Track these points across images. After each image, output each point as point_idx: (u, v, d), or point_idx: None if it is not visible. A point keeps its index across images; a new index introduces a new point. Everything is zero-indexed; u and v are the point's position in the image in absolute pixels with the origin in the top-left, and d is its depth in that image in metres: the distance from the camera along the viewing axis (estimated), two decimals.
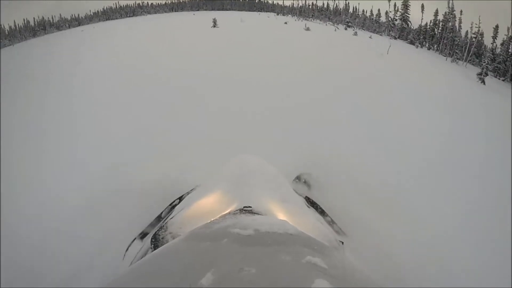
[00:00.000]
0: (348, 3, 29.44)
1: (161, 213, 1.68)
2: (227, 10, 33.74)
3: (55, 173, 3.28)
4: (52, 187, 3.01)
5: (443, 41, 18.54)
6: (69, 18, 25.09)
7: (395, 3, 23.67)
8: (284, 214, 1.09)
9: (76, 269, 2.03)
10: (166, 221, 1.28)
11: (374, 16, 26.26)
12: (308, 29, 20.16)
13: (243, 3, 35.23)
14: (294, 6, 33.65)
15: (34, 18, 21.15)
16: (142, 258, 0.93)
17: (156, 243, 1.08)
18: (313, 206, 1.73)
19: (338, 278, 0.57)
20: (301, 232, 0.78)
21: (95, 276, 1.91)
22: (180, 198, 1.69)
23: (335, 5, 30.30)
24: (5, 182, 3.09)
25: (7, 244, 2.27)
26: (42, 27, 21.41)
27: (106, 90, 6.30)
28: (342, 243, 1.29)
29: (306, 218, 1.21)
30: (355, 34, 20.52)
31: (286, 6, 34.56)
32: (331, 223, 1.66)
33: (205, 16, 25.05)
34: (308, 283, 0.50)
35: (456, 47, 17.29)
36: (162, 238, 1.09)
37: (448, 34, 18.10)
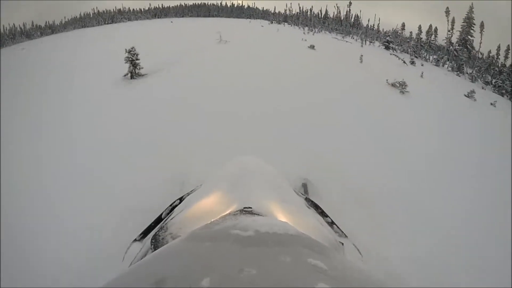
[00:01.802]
0: (350, 10, 22.88)
1: (161, 214, 1.68)
2: (213, 16, 30.32)
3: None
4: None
5: None
6: (43, 25, 23.04)
7: (453, 17, 15.05)
8: (284, 214, 1.09)
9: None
10: (166, 221, 1.28)
11: (424, 35, 17.38)
12: (404, 89, 7.82)
13: (231, 9, 31.96)
14: (287, 13, 28.11)
15: (3, 26, 19.96)
16: (142, 259, 0.93)
17: (156, 244, 1.08)
18: (313, 207, 1.73)
19: (339, 279, 0.58)
20: (302, 233, 0.78)
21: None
22: (180, 199, 1.69)
23: (337, 12, 23.67)
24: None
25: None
26: (11, 36, 20.32)
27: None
28: (342, 244, 1.29)
29: (306, 219, 1.20)
30: (472, 96, 9.80)
31: (278, 13, 29.22)
32: (331, 224, 1.66)
33: (181, 26, 19.02)
34: (308, 285, 0.50)
35: None
36: (162, 239, 1.09)
37: None
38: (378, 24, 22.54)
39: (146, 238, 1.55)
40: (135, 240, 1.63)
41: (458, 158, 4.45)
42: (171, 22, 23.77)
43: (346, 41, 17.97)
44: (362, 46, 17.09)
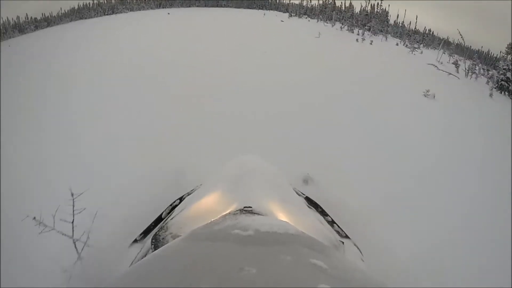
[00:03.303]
0: (380, 4, 17.32)
1: (161, 213, 1.68)
2: (222, 7, 27.25)
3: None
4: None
5: None
6: (39, 17, 21.72)
7: None
8: (284, 214, 1.09)
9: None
10: (166, 221, 1.28)
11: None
12: None
13: None
14: (303, 3, 22.85)
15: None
16: (142, 258, 0.93)
17: (156, 243, 1.08)
18: (313, 206, 1.73)
19: (339, 278, 0.57)
20: (302, 232, 0.78)
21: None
22: (181, 199, 1.69)
23: (365, 6, 18.19)
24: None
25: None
26: (3, 30, 19.43)
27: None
28: (343, 243, 1.29)
29: (306, 218, 1.21)
30: None
31: (296, 4, 23.89)
32: (332, 223, 1.66)
33: (174, 24, 15.09)
34: (308, 284, 0.50)
35: None
36: (163, 238, 1.09)
37: None
38: (415, 23, 17.24)
39: (147, 238, 1.56)
40: (136, 240, 1.64)
41: None
42: (168, 13, 21.06)
43: (445, 72, 9.86)
44: (491, 96, 8.63)
